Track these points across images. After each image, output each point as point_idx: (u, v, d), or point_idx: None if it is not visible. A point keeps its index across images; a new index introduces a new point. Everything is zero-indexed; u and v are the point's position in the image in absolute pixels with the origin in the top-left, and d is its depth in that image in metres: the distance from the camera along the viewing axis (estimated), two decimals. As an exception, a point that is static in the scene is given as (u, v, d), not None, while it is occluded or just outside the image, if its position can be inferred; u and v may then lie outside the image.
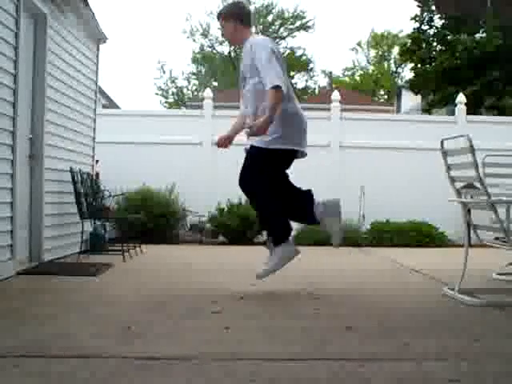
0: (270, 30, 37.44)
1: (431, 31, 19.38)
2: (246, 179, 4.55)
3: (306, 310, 3.88)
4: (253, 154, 4.53)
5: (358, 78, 40.49)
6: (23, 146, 5.72)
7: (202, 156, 10.36)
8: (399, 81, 36.61)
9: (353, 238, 9.48)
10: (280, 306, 4.07)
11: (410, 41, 19.83)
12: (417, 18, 19.44)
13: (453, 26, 18.60)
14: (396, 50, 34.18)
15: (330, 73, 37.80)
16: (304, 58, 38.43)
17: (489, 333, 3.32)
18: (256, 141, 4.48)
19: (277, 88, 4.22)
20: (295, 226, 8.99)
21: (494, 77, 16.99)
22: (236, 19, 4.59)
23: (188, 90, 38.93)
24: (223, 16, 4.65)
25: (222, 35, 4.79)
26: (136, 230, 8.11)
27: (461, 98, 10.81)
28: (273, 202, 4.60)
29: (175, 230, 9.83)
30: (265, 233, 9.37)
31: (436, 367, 2.59)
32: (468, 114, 10.87)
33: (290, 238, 4.73)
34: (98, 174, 8.45)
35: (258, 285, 4.94)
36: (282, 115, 4.38)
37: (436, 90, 18.56)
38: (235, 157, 11.12)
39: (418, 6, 19.43)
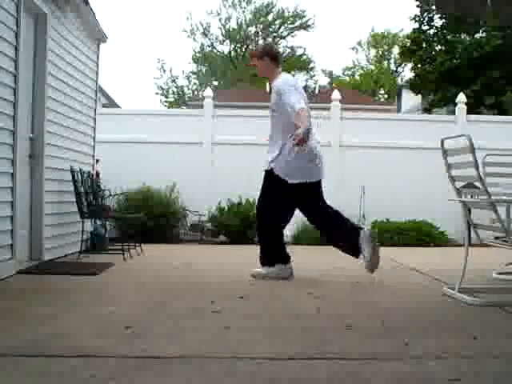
0: (270, 29, 37.41)
1: (431, 31, 19.34)
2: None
3: (306, 310, 3.88)
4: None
5: (358, 78, 40.47)
6: (23, 145, 5.72)
7: (202, 155, 10.35)
8: (399, 80, 36.58)
9: (353, 238, 9.47)
10: (280, 305, 4.06)
11: (409, 41, 19.79)
12: (416, 19, 19.41)
13: (453, 26, 18.58)
14: (396, 50, 34.17)
15: (331, 72, 37.82)
16: (304, 57, 38.38)
17: (489, 333, 3.32)
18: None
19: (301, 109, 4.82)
20: (296, 226, 9.07)
21: (494, 76, 16.97)
22: (269, 58, 5.13)
23: (188, 89, 38.88)
24: (258, 55, 5.13)
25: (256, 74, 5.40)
26: (136, 229, 8.11)
27: (461, 97, 10.78)
28: None
29: (175, 229, 9.83)
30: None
31: (436, 367, 2.59)
32: (468, 113, 10.85)
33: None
34: (98, 174, 8.45)
35: (258, 285, 4.95)
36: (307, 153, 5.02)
37: (436, 90, 18.53)
38: (235, 156, 11.12)
39: (418, 7, 19.38)
